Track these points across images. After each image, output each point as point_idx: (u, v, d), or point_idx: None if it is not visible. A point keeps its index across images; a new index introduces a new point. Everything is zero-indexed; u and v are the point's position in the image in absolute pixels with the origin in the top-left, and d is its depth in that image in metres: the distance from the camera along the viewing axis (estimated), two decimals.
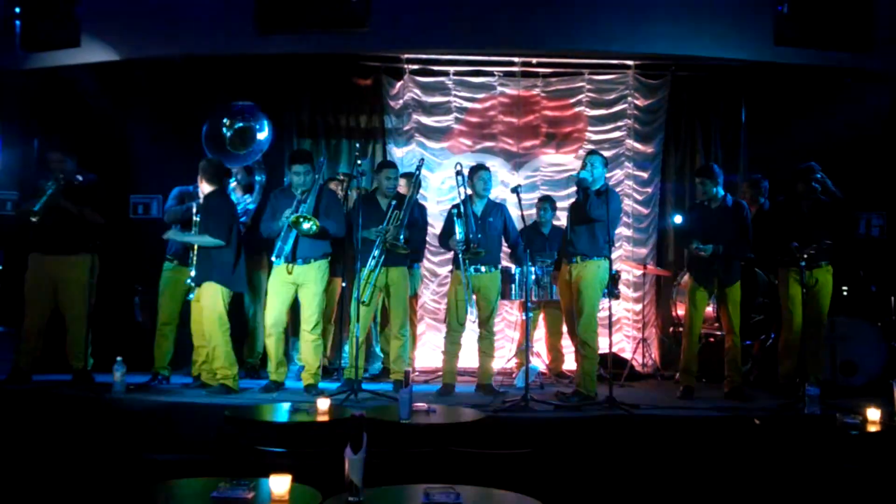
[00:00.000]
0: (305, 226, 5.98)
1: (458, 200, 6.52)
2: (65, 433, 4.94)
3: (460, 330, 6.49)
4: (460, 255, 6.32)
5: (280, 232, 6.12)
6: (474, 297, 6.43)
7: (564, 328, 7.29)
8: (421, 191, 7.75)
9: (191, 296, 6.11)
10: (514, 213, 6.63)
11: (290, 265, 6.11)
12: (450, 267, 6.83)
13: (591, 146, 8.08)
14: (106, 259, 6.50)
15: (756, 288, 7.03)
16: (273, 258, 6.19)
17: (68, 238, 6.29)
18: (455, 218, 6.39)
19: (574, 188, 6.50)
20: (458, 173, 6.48)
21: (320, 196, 6.21)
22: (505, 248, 6.76)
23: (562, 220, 7.24)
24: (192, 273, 6.05)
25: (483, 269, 6.44)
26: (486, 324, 6.49)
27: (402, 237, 6.31)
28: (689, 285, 6.54)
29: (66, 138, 6.69)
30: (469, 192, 6.48)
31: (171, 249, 6.48)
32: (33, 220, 6.08)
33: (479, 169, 6.54)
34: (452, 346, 6.48)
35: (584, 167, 6.17)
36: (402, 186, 6.88)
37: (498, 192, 7.75)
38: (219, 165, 6.31)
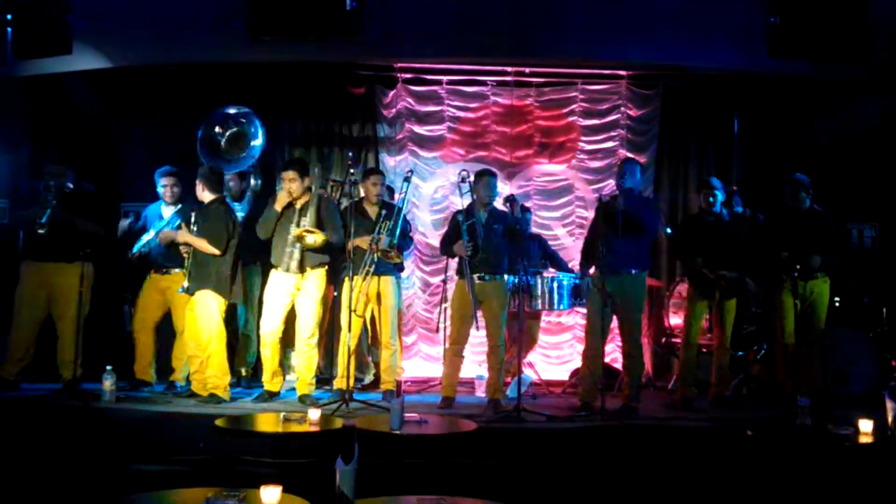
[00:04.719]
0: (310, 239, 5.96)
1: (461, 208, 6.28)
2: (52, 442, 4.90)
3: (463, 342, 6.28)
4: (466, 264, 6.10)
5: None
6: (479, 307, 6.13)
7: (553, 339, 7.28)
8: (414, 200, 7.75)
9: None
10: None
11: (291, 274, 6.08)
12: (442, 276, 6.74)
13: (583, 156, 8.11)
14: (95, 268, 6.45)
15: (748, 298, 7.02)
16: (272, 262, 6.13)
17: (62, 246, 6.23)
18: (461, 225, 6.14)
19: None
20: (464, 180, 6.24)
21: (319, 206, 6.17)
22: None
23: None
24: (186, 283, 6.04)
25: (488, 277, 6.19)
26: (494, 336, 6.18)
27: (394, 244, 6.21)
28: (688, 296, 6.50)
29: (57, 146, 6.64)
30: (473, 198, 6.26)
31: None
32: (41, 232, 6.04)
33: (484, 175, 6.29)
34: (455, 357, 6.26)
35: (622, 175, 5.99)
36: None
37: None
38: (219, 173, 6.30)
